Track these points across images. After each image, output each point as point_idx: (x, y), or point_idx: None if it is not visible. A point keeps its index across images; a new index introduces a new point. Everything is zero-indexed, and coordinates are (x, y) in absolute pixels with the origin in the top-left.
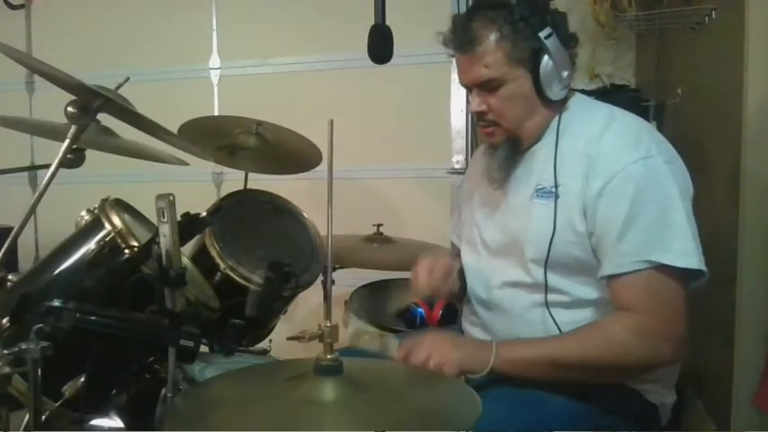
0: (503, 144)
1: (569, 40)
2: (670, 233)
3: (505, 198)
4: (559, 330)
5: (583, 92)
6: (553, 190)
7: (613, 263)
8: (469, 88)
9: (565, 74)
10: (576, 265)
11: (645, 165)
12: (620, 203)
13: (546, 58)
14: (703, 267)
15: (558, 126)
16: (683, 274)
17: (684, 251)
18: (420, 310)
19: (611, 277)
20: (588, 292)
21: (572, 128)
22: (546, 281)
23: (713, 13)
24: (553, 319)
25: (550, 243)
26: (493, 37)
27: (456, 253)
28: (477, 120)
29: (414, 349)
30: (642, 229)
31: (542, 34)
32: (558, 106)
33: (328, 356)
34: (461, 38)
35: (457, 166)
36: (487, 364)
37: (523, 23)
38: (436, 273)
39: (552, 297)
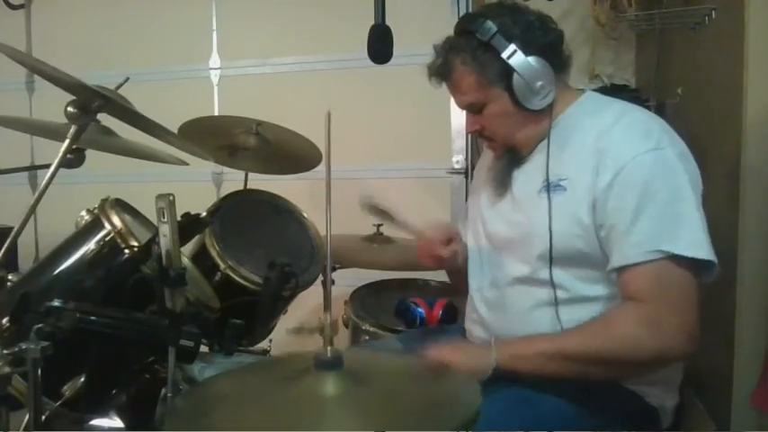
0: (503, 154)
1: (546, 49)
2: (680, 223)
3: (512, 196)
4: (561, 328)
5: None
6: (560, 183)
7: (623, 253)
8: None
9: (539, 84)
10: (580, 258)
11: (655, 156)
12: (630, 194)
13: (515, 75)
14: (714, 258)
15: (550, 128)
16: (693, 266)
17: (694, 242)
18: (420, 309)
19: (620, 269)
20: (592, 289)
21: (583, 123)
22: (551, 274)
23: (713, 13)
24: (557, 316)
25: (550, 234)
26: (460, 65)
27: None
28: (478, 136)
29: None
30: (652, 219)
31: (505, 55)
32: (552, 109)
33: (328, 351)
34: (438, 68)
35: (457, 166)
36: (491, 359)
37: (483, 49)
38: (441, 232)
39: (556, 293)
